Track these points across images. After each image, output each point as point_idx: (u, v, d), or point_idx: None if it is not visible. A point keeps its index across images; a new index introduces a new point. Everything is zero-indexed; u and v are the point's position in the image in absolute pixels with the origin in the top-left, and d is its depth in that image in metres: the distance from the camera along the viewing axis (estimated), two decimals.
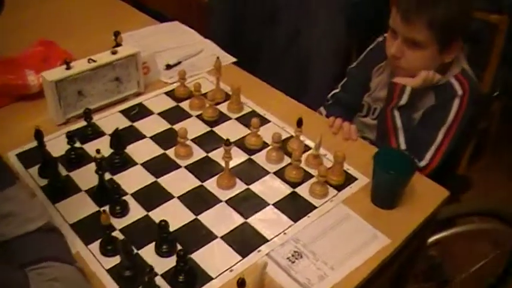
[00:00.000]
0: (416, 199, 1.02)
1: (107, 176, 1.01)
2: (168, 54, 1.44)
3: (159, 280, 0.82)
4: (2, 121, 1.18)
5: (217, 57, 1.24)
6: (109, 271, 0.84)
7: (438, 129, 1.18)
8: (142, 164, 1.08)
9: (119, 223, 0.93)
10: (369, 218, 0.97)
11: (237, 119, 1.22)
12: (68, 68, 1.14)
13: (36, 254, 0.70)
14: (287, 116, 1.20)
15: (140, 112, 1.23)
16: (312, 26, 1.95)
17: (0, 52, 1.31)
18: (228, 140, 0.98)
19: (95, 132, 1.15)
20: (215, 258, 0.88)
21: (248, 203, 1.00)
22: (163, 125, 1.19)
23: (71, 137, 1.05)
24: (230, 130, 1.17)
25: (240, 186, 1.03)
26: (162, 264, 0.85)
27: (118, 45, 1.30)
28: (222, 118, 1.22)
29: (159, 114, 1.23)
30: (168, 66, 1.38)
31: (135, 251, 0.88)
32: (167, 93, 1.30)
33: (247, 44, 2.04)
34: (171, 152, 1.10)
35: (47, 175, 1.00)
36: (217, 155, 1.09)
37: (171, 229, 0.89)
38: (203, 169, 1.06)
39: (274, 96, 1.31)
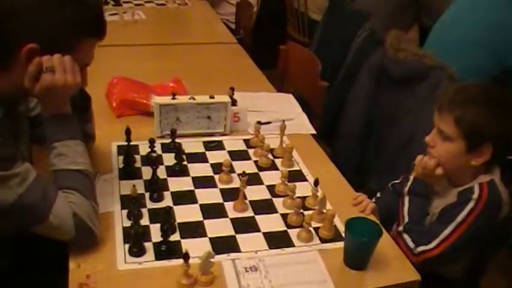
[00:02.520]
0: (386, 270, 1.21)
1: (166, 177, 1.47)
2: (265, 114, 1.86)
3: None
4: (123, 123, 1.71)
5: (283, 120, 1.62)
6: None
7: (448, 224, 1.34)
8: (193, 177, 1.49)
9: (152, 204, 1.36)
10: (332, 270, 1.19)
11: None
12: (173, 98, 1.65)
13: (70, 184, 1.15)
14: (325, 182, 1.48)
15: (216, 146, 1.66)
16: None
17: (146, 80, 1.89)
18: (244, 172, 1.34)
19: (175, 147, 1.60)
20: (195, 247, 1.21)
21: (245, 225, 1.32)
22: (224, 158, 1.58)
23: (151, 141, 1.52)
24: (272, 177, 1.51)
25: (249, 213, 1.36)
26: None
27: (231, 97, 1.78)
28: (272, 167, 1.57)
29: (228, 151, 1.64)
30: (259, 123, 1.79)
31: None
32: (244, 140, 1.70)
33: None
34: (217, 176, 1.49)
35: (125, 160, 1.48)
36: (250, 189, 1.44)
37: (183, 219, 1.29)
38: (231, 194, 1.42)
39: (328, 168, 1.60)
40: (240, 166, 1.56)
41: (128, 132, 1.51)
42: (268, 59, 2.45)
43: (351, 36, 2.65)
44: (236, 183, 1.47)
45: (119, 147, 1.60)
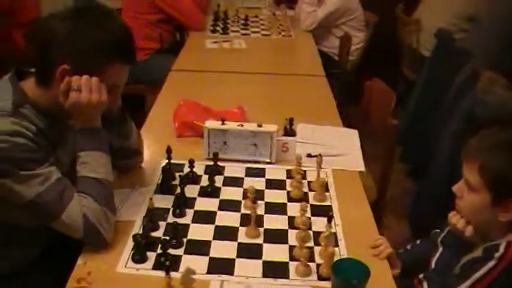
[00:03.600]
0: None
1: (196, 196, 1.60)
2: (319, 147, 1.89)
3: None
4: (180, 143, 1.88)
5: (319, 154, 1.65)
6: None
7: (466, 279, 1.27)
8: (221, 199, 1.59)
9: (172, 219, 1.48)
10: None
11: (312, 205, 1.59)
12: (223, 124, 1.77)
13: (86, 189, 1.34)
14: (354, 222, 1.49)
15: (258, 173, 1.74)
16: None
17: (219, 104, 2.05)
18: (254, 197, 1.40)
19: (217, 170, 1.72)
20: (194, 264, 1.30)
21: (249, 251, 1.38)
22: (260, 185, 1.66)
23: (190, 161, 1.66)
24: (298, 209, 1.55)
25: (259, 240, 1.42)
26: None
27: (286, 128, 1.86)
28: (302, 199, 1.60)
29: (267, 179, 1.71)
30: (309, 155, 1.84)
31: None
32: (287, 170, 1.76)
33: None
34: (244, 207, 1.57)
35: (163, 177, 1.64)
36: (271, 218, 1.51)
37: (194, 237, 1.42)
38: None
39: (362, 209, 1.59)
40: (271, 195, 1.63)
41: (168, 151, 1.66)
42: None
43: (454, 75, 2.59)
44: (260, 210, 1.54)
45: (167, 163, 1.76)
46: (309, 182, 1.68)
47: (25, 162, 1.27)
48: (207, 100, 2.16)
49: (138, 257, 1.34)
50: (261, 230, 1.46)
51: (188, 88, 2.44)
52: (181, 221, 1.49)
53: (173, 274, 1.23)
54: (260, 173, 1.75)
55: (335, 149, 1.90)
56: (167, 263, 1.22)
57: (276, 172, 1.75)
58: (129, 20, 3.20)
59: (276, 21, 3.34)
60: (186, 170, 1.70)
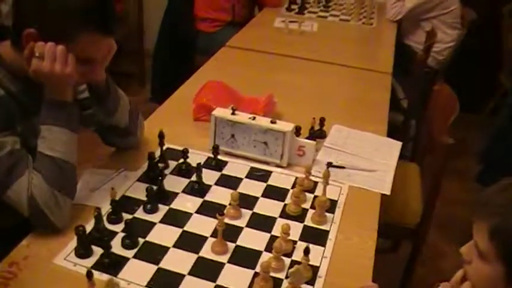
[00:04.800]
0: None
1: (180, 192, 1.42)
2: (347, 157, 1.63)
3: None
4: (194, 128, 1.71)
5: (327, 167, 1.39)
6: None
7: None
8: (205, 200, 1.40)
9: (153, 217, 1.33)
10: None
11: (306, 226, 1.34)
12: (233, 113, 1.56)
13: (39, 167, 1.20)
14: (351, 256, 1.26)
15: (262, 176, 1.52)
16: None
17: (245, 89, 1.86)
18: (222, 211, 1.19)
19: (216, 165, 1.53)
20: (136, 271, 1.14)
21: (205, 270, 1.18)
22: (257, 191, 1.45)
23: (184, 151, 1.48)
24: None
25: (223, 258, 1.21)
26: None
27: (313, 128, 1.65)
28: (298, 218, 1.36)
29: (268, 185, 1.49)
30: (329, 164, 1.58)
31: None
32: (297, 178, 1.52)
33: None
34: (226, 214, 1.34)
35: (150, 164, 1.47)
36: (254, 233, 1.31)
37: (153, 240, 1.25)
38: (227, 230, 1.27)
39: (366, 241, 1.32)
40: (264, 205, 1.41)
41: (160, 135, 1.49)
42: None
43: None
44: (243, 221, 1.33)
45: (168, 149, 1.60)
46: (314, 198, 1.43)
47: None
48: (244, 83, 1.98)
49: (82, 251, 1.19)
50: (231, 246, 1.25)
51: (231, 68, 2.25)
52: (149, 218, 1.32)
53: (106, 276, 1.09)
54: (264, 176, 1.53)
55: (365, 161, 1.62)
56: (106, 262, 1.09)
57: (282, 179, 1.52)
58: None
59: (360, 6, 3.02)
60: (196, 156, 1.55)
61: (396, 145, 1.74)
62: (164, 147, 1.60)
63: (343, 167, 1.59)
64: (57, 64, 1.18)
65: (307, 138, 1.64)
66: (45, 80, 1.22)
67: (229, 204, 1.35)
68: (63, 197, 1.22)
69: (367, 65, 2.30)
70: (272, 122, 1.54)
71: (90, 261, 1.18)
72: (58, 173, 1.22)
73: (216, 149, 1.53)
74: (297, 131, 1.63)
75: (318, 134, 1.73)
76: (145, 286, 1.13)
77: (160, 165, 1.42)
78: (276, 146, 1.55)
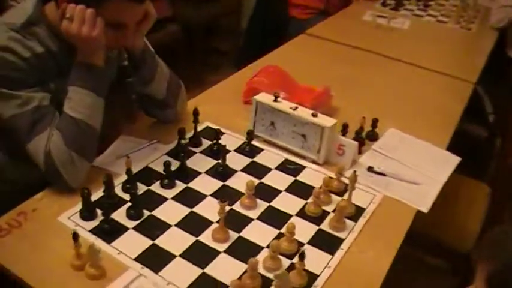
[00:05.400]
0: None
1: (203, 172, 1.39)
2: (392, 164, 1.50)
3: None
4: (243, 110, 1.66)
5: (354, 171, 1.28)
6: None
7: None
8: (223, 185, 1.35)
9: (167, 192, 1.30)
10: None
11: (320, 230, 1.25)
12: (275, 100, 1.49)
13: (60, 126, 1.22)
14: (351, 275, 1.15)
15: (294, 170, 1.44)
16: None
17: (308, 80, 1.78)
18: (224, 198, 1.13)
19: (250, 151, 1.48)
20: (132, 243, 1.13)
21: (198, 256, 1.13)
22: (282, 184, 1.38)
23: (217, 132, 1.44)
24: (303, 227, 1.24)
25: (222, 246, 1.16)
26: None
27: (361, 128, 1.55)
28: (316, 220, 1.27)
29: (296, 180, 1.40)
30: (370, 169, 1.46)
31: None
32: (330, 177, 1.42)
33: None
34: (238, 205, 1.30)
35: (179, 140, 1.44)
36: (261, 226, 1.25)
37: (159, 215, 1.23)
38: (233, 217, 1.23)
39: (379, 257, 1.20)
40: (284, 200, 1.33)
41: (195, 112, 1.46)
42: None
43: None
44: (255, 213, 1.27)
45: (208, 128, 1.57)
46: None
47: (8, 81, 1.20)
48: (309, 73, 1.91)
49: (86, 214, 1.20)
50: (234, 236, 1.19)
51: (302, 55, 2.17)
52: (163, 192, 1.30)
53: (100, 242, 1.12)
54: (296, 170, 1.44)
55: (411, 171, 1.48)
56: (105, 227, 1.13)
57: (314, 176, 1.43)
58: None
59: (463, 9, 2.77)
60: (232, 139, 1.53)
61: (453, 160, 1.57)
62: (204, 126, 1.57)
63: (384, 174, 1.46)
64: (84, 27, 1.18)
65: (354, 138, 1.53)
66: (75, 42, 1.23)
67: (246, 193, 1.28)
68: (80, 158, 1.23)
69: (450, 71, 2.10)
70: (313, 115, 1.45)
71: (91, 225, 1.18)
72: (77, 134, 1.23)
73: (250, 134, 1.47)
74: (344, 128, 1.52)
75: (369, 135, 1.61)
76: (134, 259, 1.11)
77: (183, 141, 1.38)
78: (314, 140, 1.46)
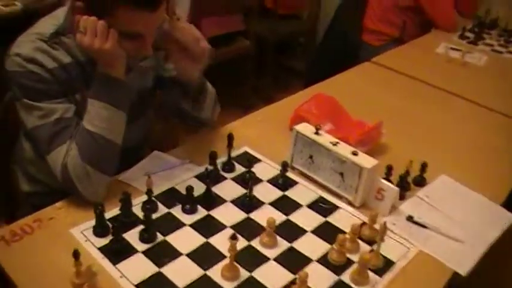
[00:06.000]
0: None
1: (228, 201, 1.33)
2: (437, 216, 1.36)
3: None
4: (287, 136, 1.59)
5: (384, 222, 1.16)
6: None
7: None
8: (247, 217, 1.28)
9: (186, 218, 1.25)
10: None
11: (342, 282, 1.14)
12: (316, 132, 1.40)
13: (77, 139, 1.21)
14: None
15: (326, 210, 1.34)
16: None
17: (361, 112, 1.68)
18: (234, 234, 1.06)
19: (283, 183, 1.40)
20: (138, 268, 1.08)
21: None
22: (309, 224, 1.28)
23: (249, 161, 1.37)
24: (322, 275, 1.14)
25: (230, 284, 1.09)
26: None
27: (407, 171, 1.42)
28: (338, 270, 1.17)
29: (326, 221, 1.30)
30: (410, 218, 1.34)
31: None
32: (363, 223, 1.31)
33: None
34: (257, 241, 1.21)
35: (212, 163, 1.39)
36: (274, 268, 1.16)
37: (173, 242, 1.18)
38: (247, 255, 1.16)
39: None
40: (308, 243, 1.23)
41: (229, 137, 1.40)
42: None
43: None
44: (273, 253, 1.18)
45: (246, 153, 1.51)
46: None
47: (32, 92, 1.20)
48: (364, 104, 1.81)
49: (99, 230, 1.17)
50: (245, 274, 1.11)
51: (360, 84, 2.05)
52: (182, 217, 1.26)
53: (106, 264, 1.08)
54: (328, 210, 1.34)
55: (456, 226, 1.34)
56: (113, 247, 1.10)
57: (347, 219, 1.32)
58: (378, 1, 2.88)
59: None
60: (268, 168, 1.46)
61: (507, 219, 1.40)
62: (242, 150, 1.52)
63: (424, 226, 1.33)
64: (97, 39, 1.15)
65: (398, 182, 1.41)
66: (90, 54, 1.21)
67: (265, 231, 1.20)
68: (97, 172, 1.20)
69: None
70: (354, 153, 1.34)
71: (101, 242, 1.15)
72: (94, 148, 1.20)
73: (284, 166, 1.39)
74: (388, 170, 1.41)
75: (417, 180, 1.48)
76: (135, 285, 1.06)
77: (209, 167, 1.32)
78: (352, 180, 1.35)
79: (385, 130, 1.61)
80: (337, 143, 1.38)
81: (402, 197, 1.41)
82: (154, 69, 1.45)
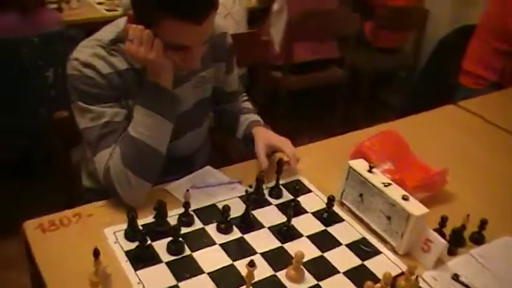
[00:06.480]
0: None
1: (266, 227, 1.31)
2: (487, 279, 1.24)
3: None
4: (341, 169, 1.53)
5: (416, 276, 1.07)
6: None
7: None
8: (279, 247, 1.24)
9: (219, 237, 1.24)
10: None
11: None
12: (369, 170, 1.34)
13: (120, 144, 1.24)
14: None
15: (366, 253, 1.27)
16: None
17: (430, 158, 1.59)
18: (252, 261, 1.03)
19: (327, 218, 1.35)
20: (157, 278, 1.10)
21: None
22: (344, 266, 1.22)
23: (296, 190, 1.34)
24: None
25: None
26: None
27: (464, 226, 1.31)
28: None
29: (362, 265, 1.23)
30: (455, 277, 1.23)
31: None
32: (398, 275, 1.21)
33: None
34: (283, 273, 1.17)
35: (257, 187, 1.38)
36: None
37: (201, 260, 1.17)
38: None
39: None
40: (337, 284, 1.17)
41: (279, 163, 1.38)
42: None
43: None
44: (302, 285, 1.14)
45: (297, 180, 1.48)
46: None
47: (85, 95, 1.25)
48: (437, 151, 1.71)
49: (130, 234, 1.19)
50: None
51: (440, 127, 1.93)
52: (215, 236, 1.25)
53: (127, 267, 1.10)
54: (369, 254, 1.27)
55: None
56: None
57: (386, 266, 1.23)
58: (478, 43, 2.71)
59: None
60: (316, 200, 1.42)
61: None
62: (295, 178, 1.48)
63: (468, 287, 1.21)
64: (142, 48, 1.18)
65: (450, 235, 1.30)
66: (137, 62, 1.24)
67: (292, 265, 1.15)
68: (137, 178, 1.23)
69: None
70: (404, 198, 1.26)
71: (130, 246, 1.17)
72: (135, 154, 1.23)
73: (330, 201, 1.34)
74: (442, 221, 1.30)
75: (474, 237, 1.35)
76: None
77: (249, 189, 1.29)
78: (399, 226, 1.27)
79: (450, 178, 1.49)
80: (390, 184, 1.30)
81: (453, 253, 1.30)
82: (213, 79, 1.47)
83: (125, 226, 1.20)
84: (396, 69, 3.95)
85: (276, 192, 1.40)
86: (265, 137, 1.45)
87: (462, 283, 1.21)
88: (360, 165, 1.37)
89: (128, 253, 1.14)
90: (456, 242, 1.30)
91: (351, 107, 3.64)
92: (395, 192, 1.28)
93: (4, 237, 1.89)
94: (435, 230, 1.28)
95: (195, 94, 1.42)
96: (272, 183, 1.42)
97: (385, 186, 1.30)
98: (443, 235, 1.28)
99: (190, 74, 1.37)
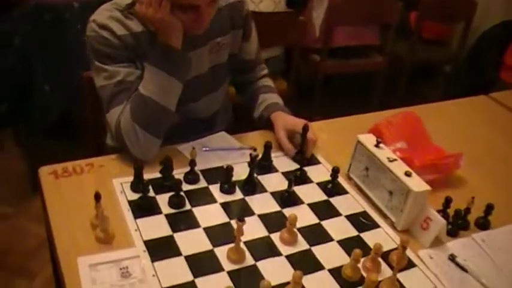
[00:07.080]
0: None
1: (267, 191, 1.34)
2: (485, 264, 1.22)
3: None
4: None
5: (403, 246, 1.07)
6: None
7: None
8: (278, 211, 1.27)
9: (221, 197, 1.28)
10: None
11: None
12: (376, 145, 1.34)
13: (131, 99, 1.29)
14: None
15: (364, 226, 1.27)
16: None
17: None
18: (241, 216, 1.05)
19: (331, 189, 1.36)
20: (155, 229, 1.14)
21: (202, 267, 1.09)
22: (339, 235, 1.23)
23: (303, 160, 1.35)
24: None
25: (238, 264, 1.09)
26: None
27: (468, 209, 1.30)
28: (345, 285, 1.10)
29: (358, 236, 1.23)
30: (452, 257, 1.22)
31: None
32: (392, 250, 1.21)
33: None
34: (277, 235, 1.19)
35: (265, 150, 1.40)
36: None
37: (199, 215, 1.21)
38: (265, 246, 1.16)
39: None
40: (329, 251, 1.17)
41: (304, 128, 1.41)
42: None
43: None
44: (289, 249, 1.16)
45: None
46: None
47: (100, 55, 1.30)
48: (463, 140, 1.67)
49: (135, 185, 1.24)
50: (248, 261, 1.10)
51: (465, 117, 1.89)
52: (218, 195, 1.28)
53: (128, 216, 1.15)
54: (366, 226, 1.27)
55: (504, 280, 1.19)
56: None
57: (381, 239, 1.21)
58: None
59: None
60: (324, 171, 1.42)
61: None
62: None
63: (465, 270, 1.19)
64: (150, 9, 1.21)
65: (453, 215, 1.29)
66: (148, 23, 1.27)
67: (286, 228, 1.17)
68: (144, 133, 1.27)
69: None
70: (406, 174, 1.25)
71: (134, 196, 1.21)
72: (143, 110, 1.28)
73: (335, 172, 1.34)
74: (446, 203, 1.29)
75: (479, 222, 1.33)
76: (144, 241, 1.10)
77: (253, 153, 1.31)
78: (399, 202, 1.26)
79: (466, 165, 1.46)
80: (395, 160, 1.30)
81: (455, 234, 1.28)
82: (230, 46, 1.49)
83: (132, 179, 1.25)
84: (439, 62, 3.86)
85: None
86: (284, 122, 1.46)
87: (457, 264, 1.20)
88: (368, 140, 1.36)
89: (131, 202, 1.19)
90: (459, 224, 1.29)
91: (387, 97, 3.58)
92: (398, 168, 1.27)
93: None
94: (439, 211, 1.27)
95: (210, 59, 1.45)
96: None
97: (390, 161, 1.29)
98: (446, 216, 1.27)
99: (207, 38, 1.40)
